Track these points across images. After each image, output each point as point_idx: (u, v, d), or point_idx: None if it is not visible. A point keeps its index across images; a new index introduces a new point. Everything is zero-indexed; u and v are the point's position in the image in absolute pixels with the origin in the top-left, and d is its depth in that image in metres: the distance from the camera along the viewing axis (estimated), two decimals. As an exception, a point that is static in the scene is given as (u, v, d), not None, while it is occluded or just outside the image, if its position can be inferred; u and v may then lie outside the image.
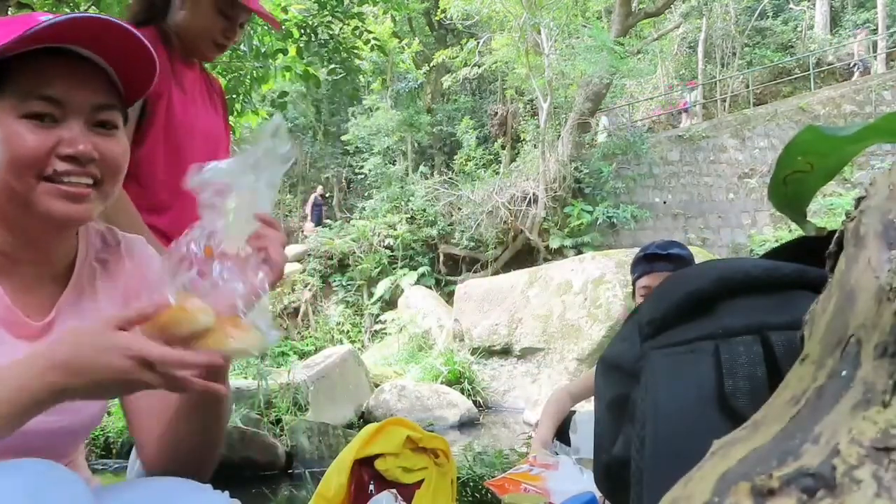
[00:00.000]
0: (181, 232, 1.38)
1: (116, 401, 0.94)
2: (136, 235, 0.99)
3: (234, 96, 5.42)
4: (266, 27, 5.38)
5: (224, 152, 1.73)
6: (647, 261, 2.02)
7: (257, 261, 0.78)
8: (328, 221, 13.74)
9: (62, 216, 0.79)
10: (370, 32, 6.06)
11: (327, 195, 15.75)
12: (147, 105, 1.50)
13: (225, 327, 0.71)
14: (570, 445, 2.04)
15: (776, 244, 0.82)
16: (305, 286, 11.81)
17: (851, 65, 14.65)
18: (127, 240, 0.96)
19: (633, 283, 2.08)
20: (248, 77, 5.53)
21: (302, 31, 5.55)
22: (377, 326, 10.75)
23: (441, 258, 12.19)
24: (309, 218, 14.25)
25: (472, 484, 2.71)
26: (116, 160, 0.82)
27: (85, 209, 0.80)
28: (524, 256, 11.38)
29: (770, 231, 11.46)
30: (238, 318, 0.73)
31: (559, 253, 10.72)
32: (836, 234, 0.45)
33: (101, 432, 4.65)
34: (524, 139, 13.02)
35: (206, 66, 1.80)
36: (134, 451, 1.55)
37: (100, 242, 0.94)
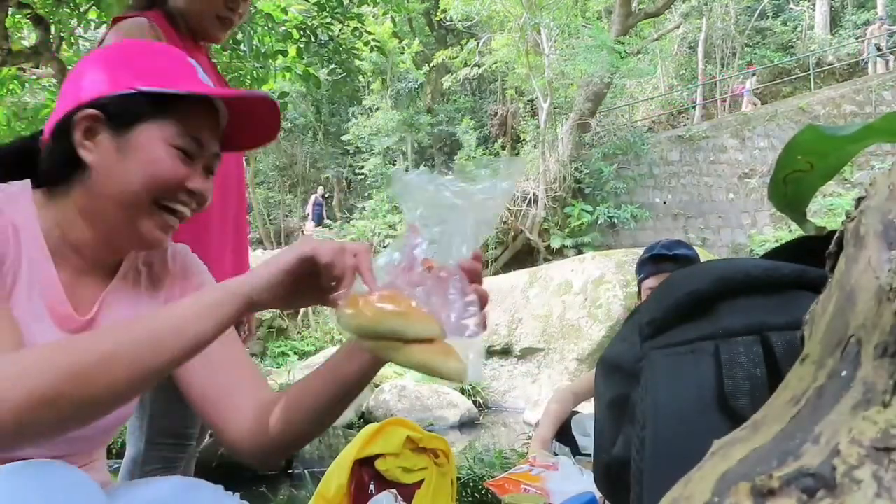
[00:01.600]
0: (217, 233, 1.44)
1: None
2: (182, 245, 1.02)
3: (234, 96, 5.41)
4: (266, 27, 5.39)
5: None
6: (654, 262, 2.00)
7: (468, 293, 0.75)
8: (328, 221, 13.74)
9: (152, 242, 0.87)
10: (370, 33, 6.06)
11: (327, 195, 15.76)
12: None
13: (440, 343, 0.69)
14: (571, 446, 2.03)
15: (776, 244, 0.82)
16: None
17: (864, 60, 14.57)
18: (174, 247, 1.00)
19: (639, 284, 2.07)
20: (249, 77, 5.53)
21: (302, 32, 5.56)
22: (377, 326, 10.73)
23: (441, 258, 12.19)
24: (310, 218, 14.26)
25: (472, 484, 2.70)
26: (209, 200, 0.92)
27: (166, 239, 0.89)
28: (524, 256, 11.38)
29: (770, 231, 11.46)
30: (444, 340, 0.70)
31: (559, 253, 10.73)
32: (836, 234, 0.45)
33: (118, 431, 4.63)
34: (524, 139, 13.03)
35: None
36: (129, 453, 1.54)
37: None
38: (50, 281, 0.83)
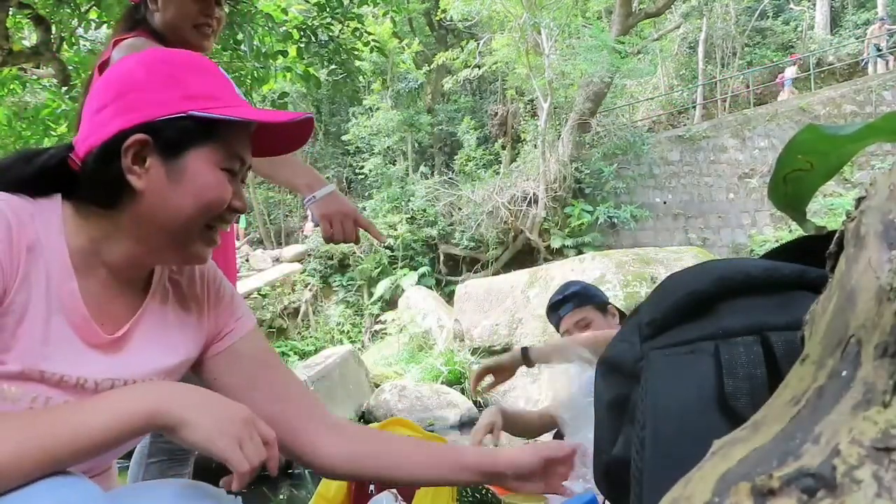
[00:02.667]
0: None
1: None
2: (212, 264, 1.01)
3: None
4: (266, 28, 5.39)
5: None
6: (553, 310, 2.04)
7: None
8: (308, 223, 13.73)
9: (200, 260, 0.89)
10: (370, 34, 6.06)
11: (327, 195, 15.73)
12: None
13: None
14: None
15: (776, 244, 0.82)
16: (305, 286, 11.82)
17: (864, 60, 14.55)
18: (202, 266, 0.99)
19: (560, 332, 2.06)
20: (249, 77, 5.53)
21: (302, 32, 5.56)
22: (377, 326, 10.74)
23: (441, 258, 12.19)
24: (310, 218, 14.24)
25: (472, 484, 2.70)
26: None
27: (211, 252, 0.91)
28: (524, 256, 11.38)
29: (770, 231, 11.46)
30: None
31: (559, 253, 10.72)
32: (837, 234, 0.45)
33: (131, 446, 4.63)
34: (524, 139, 13.02)
35: None
36: (137, 453, 1.55)
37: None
38: (72, 298, 0.81)
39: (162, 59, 0.86)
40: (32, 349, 0.76)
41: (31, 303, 0.77)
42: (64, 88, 5.55)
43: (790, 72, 14.72)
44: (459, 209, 12.04)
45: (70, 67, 5.54)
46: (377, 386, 6.88)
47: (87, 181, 0.82)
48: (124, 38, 1.57)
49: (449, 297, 10.04)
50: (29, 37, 6.26)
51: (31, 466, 0.65)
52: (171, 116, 0.81)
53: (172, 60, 0.86)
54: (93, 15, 5.07)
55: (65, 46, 5.67)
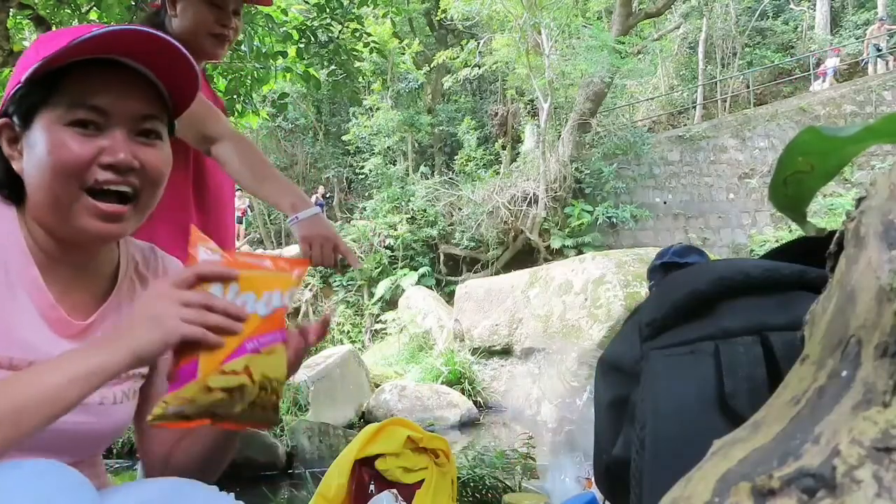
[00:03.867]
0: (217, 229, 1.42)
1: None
2: (176, 259, 1.00)
3: (235, 97, 5.42)
4: (267, 28, 5.39)
5: None
6: (664, 270, 1.98)
7: None
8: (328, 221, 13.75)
9: (95, 234, 0.81)
10: (369, 35, 6.07)
11: (328, 195, 15.74)
12: None
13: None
14: None
15: (776, 244, 0.82)
16: (305, 286, 11.81)
17: (864, 60, 14.50)
18: (166, 261, 0.98)
19: (650, 290, 2.04)
20: (249, 78, 5.53)
21: (302, 33, 5.56)
22: (377, 326, 10.74)
23: (441, 258, 12.18)
24: None
25: (472, 484, 2.71)
26: (157, 169, 0.84)
27: (119, 228, 0.82)
28: (525, 257, 11.37)
29: (770, 231, 11.46)
30: None
31: (560, 253, 10.72)
32: (837, 235, 0.45)
33: (116, 437, 4.63)
34: (524, 139, 13.02)
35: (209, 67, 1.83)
36: None
37: (140, 257, 0.96)
38: (35, 286, 0.81)
39: (40, 40, 0.85)
40: None
41: None
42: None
43: (831, 62, 14.47)
44: (459, 209, 12.04)
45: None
46: (377, 386, 6.88)
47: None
48: None
49: (449, 298, 10.04)
50: (29, 37, 6.25)
51: (5, 427, 0.65)
52: (13, 90, 0.80)
53: (36, 41, 0.85)
54: (93, 16, 5.06)
55: (65, 47, 5.66)
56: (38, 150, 0.78)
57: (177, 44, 0.81)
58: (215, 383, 0.74)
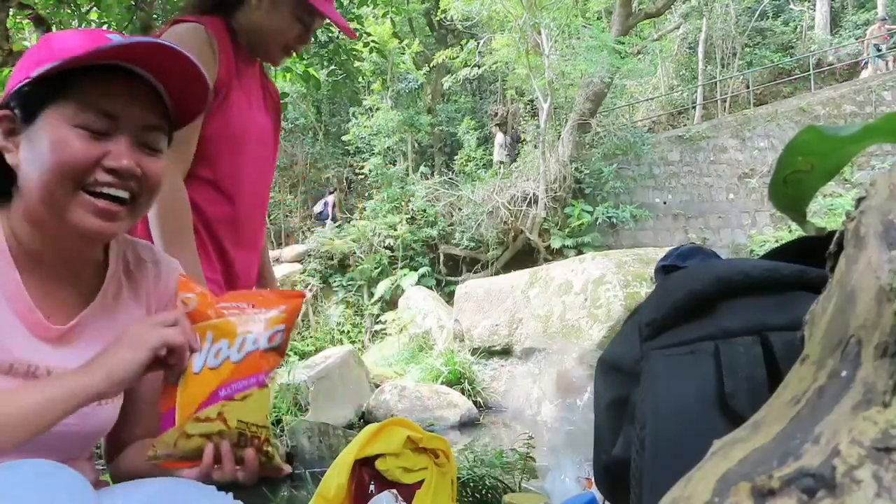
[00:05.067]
0: (251, 222, 1.52)
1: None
2: (173, 259, 1.01)
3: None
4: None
5: (272, 156, 1.69)
6: (666, 272, 1.99)
7: None
8: (327, 221, 13.75)
9: (91, 231, 0.82)
10: (369, 35, 6.07)
11: (333, 190, 15.74)
12: (218, 87, 1.47)
13: None
14: None
15: (776, 244, 0.82)
16: (305, 286, 11.81)
17: (864, 60, 14.41)
18: (162, 264, 0.98)
19: None
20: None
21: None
22: (377, 327, 10.74)
23: (441, 258, 12.18)
24: (329, 216, 14.17)
25: (472, 484, 2.71)
26: (157, 178, 0.86)
27: (114, 226, 0.83)
28: (524, 257, 11.37)
29: (770, 231, 11.46)
30: None
31: (559, 253, 10.71)
32: (837, 235, 0.45)
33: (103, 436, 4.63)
34: (524, 139, 13.02)
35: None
36: None
37: (132, 257, 0.95)
38: (14, 289, 0.81)
39: (48, 38, 0.86)
40: None
41: None
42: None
43: (882, 48, 14.23)
44: (459, 209, 12.04)
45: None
46: (377, 386, 6.88)
47: None
48: (184, 21, 1.48)
49: (449, 298, 10.03)
50: (29, 37, 6.25)
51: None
52: (20, 84, 0.80)
53: (59, 36, 0.85)
54: (93, 16, 5.06)
55: (65, 47, 5.65)
56: (42, 146, 0.79)
57: (200, 68, 0.83)
58: (192, 430, 0.79)
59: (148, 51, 0.80)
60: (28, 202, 0.82)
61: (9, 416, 0.69)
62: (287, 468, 0.86)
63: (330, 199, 14.56)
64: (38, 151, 0.79)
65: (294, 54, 1.65)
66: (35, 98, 0.80)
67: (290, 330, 0.86)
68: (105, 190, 0.81)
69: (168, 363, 0.79)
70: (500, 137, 13.39)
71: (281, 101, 1.73)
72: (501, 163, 13.05)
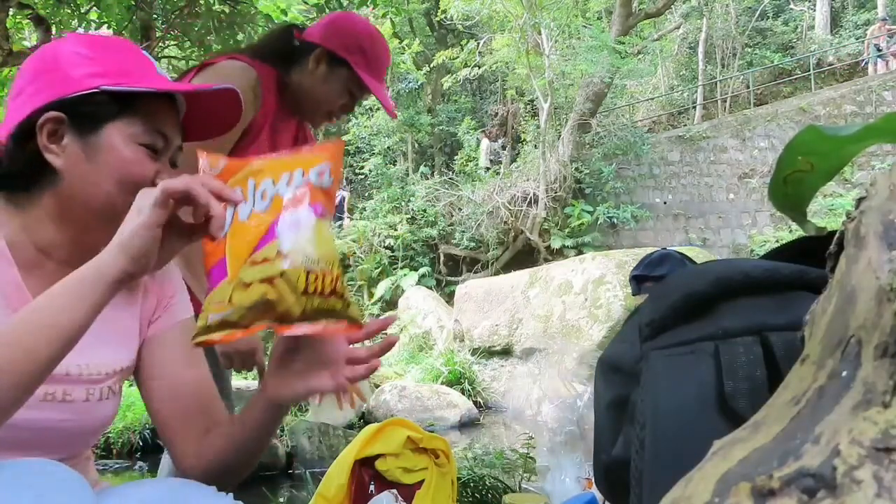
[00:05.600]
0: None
1: (122, 404, 0.95)
2: (176, 269, 1.02)
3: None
4: (266, 28, 5.39)
5: None
6: (637, 282, 2.03)
7: None
8: (344, 217, 13.73)
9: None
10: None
11: (343, 186, 15.69)
12: (250, 129, 1.51)
13: None
14: None
15: (776, 244, 0.82)
16: (306, 286, 11.80)
17: (864, 60, 14.37)
18: (162, 269, 0.97)
19: (633, 294, 2.09)
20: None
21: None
22: (377, 327, 10.73)
23: (441, 259, 12.18)
24: (344, 212, 14.12)
25: (472, 484, 2.70)
26: None
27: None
28: (525, 257, 11.37)
29: (770, 231, 11.46)
30: None
31: (560, 253, 10.71)
32: (837, 235, 0.45)
33: (103, 433, 4.64)
34: (524, 139, 13.03)
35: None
36: (167, 453, 1.56)
37: None
38: (16, 289, 0.81)
39: (78, 41, 0.87)
40: None
41: None
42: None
43: (874, 50, 14.00)
44: (459, 209, 12.04)
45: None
46: (377, 386, 6.87)
47: (6, 165, 0.83)
48: (236, 59, 1.50)
49: (449, 298, 10.03)
50: (29, 37, 6.25)
51: (18, 359, 0.65)
52: (85, 92, 0.81)
53: (89, 41, 0.87)
54: (93, 16, 5.07)
55: (65, 47, 5.65)
56: (108, 158, 0.83)
57: (241, 103, 0.91)
58: (249, 276, 0.66)
59: (210, 95, 0.89)
60: (71, 206, 0.84)
61: (41, 328, 0.67)
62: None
63: (344, 195, 14.49)
64: (103, 163, 0.83)
65: (337, 120, 1.70)
66: (99, 109, 0.83)
67: (337, 171, 0.75)
68: None
69: (195, 221, 0.74)
70: (485, 143, 13.50)
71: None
72: (487, 168, 13.12)
